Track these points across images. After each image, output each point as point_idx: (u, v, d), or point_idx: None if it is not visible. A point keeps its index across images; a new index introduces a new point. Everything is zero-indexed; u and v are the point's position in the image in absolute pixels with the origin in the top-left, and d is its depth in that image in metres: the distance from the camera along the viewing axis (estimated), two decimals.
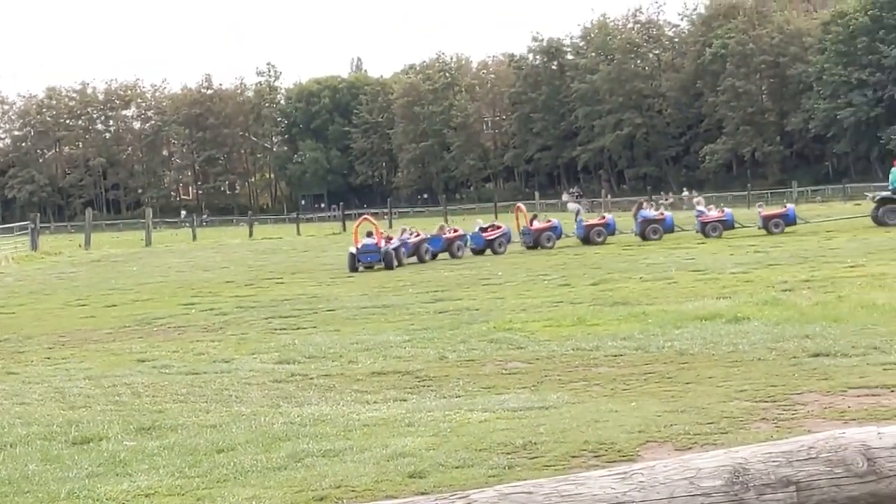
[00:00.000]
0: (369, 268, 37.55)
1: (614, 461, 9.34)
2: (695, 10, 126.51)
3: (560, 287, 27.22)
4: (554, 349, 16.50)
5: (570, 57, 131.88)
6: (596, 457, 9.53)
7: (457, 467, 9.37)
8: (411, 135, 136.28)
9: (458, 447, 10.08)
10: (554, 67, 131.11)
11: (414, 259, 40.23)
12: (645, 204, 49.67)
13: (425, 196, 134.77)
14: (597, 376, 14.08)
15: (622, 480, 2.79)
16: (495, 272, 32.90)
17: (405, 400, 13.15)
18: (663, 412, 11.12)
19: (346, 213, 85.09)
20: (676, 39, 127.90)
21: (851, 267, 26.55)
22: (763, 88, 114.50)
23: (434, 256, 41.28)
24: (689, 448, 9.62)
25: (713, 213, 46.72)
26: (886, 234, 37.92)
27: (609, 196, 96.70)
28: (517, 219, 46.47)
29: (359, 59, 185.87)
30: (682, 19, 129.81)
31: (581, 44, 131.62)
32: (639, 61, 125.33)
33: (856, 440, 2.90)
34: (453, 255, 41.85)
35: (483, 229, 44.25)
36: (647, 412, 11.17)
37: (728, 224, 45.67)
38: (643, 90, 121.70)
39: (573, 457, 9.55)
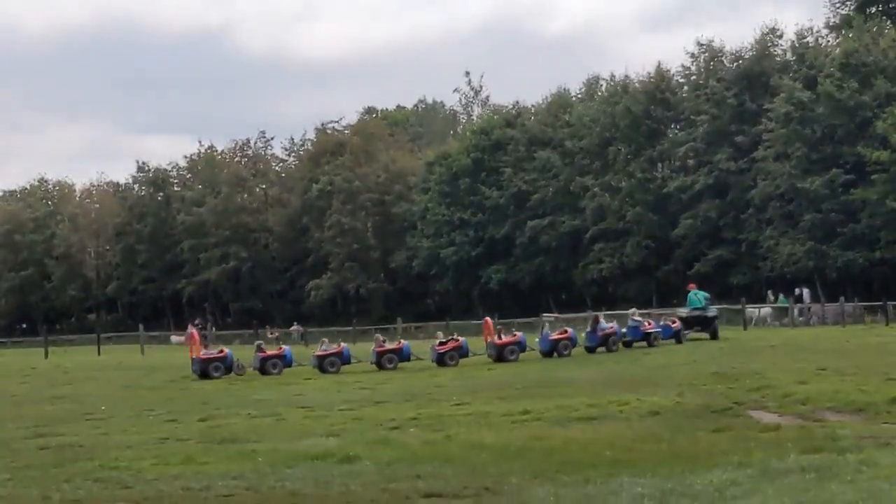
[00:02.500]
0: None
1: None
2: (302, 146, 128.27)
3: (167, 423, 26.71)
4: (162, 489, 16.10)
5: (176, 188, 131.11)
6: None
7: None
8: (10, 264, 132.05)
9: None
10: (160, 198, 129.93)
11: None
12: (601, 317, 49.44)
13: (24, 326, 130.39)
14: None
15: None
16: (99, 406, 32.00)
17: None
18: None
19: None
20: (283, 175, 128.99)
21: (457, 405, 27.06)
22: (368, 225, 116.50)
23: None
24: None
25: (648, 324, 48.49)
26: (489, 373, 38.98)
27: (214, 329, 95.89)
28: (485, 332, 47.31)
29: None
30: (289, 154, 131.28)
31: (188, 176, 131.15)
32: (246, 195, 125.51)
33: None
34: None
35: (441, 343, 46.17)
36: None
37: (660, 335, 47.92)
38: (250, 224, 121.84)
39: None
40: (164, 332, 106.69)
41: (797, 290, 73.87)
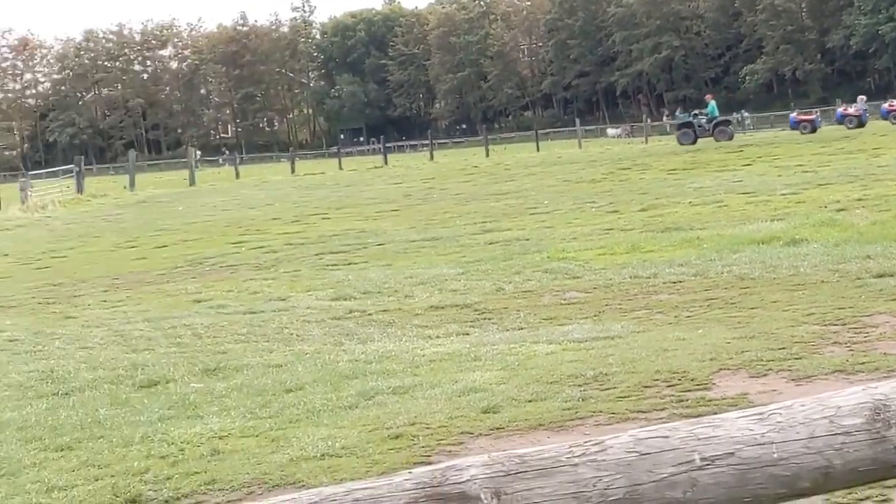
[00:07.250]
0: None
1: (689, 390, 9.27)
2: None
3: (608, 214, 27.01)
4: (611, 278, 16.34)
5: None
6: (669, 386, 9.42)
7: (530, 401, 9.28)
8: (448, 65, 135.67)
9: (529, 381, 9.98)
10: None
11: None
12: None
13: (464, 126, 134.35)
14: (658, 304, 13.94)
15: (760, 421, 2.72)
16: (541, 201, 32.69)
17: (467, 334, 13.03)
18: (732, 339, 10.99)
19: (387, 146, 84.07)
20: None
21: None
22: (803, 6, 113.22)
23: None
24: (765, 375, 9.51)
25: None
26: None
27: (649, 120, 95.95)
28: None
29: None
30: None
31: None
32: None
33: None
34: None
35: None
36: (716, 339, 11.05)
37: None
38: (681, 12, 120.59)
39: (646, 387, 9.45)
40: (600, 126, 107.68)
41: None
